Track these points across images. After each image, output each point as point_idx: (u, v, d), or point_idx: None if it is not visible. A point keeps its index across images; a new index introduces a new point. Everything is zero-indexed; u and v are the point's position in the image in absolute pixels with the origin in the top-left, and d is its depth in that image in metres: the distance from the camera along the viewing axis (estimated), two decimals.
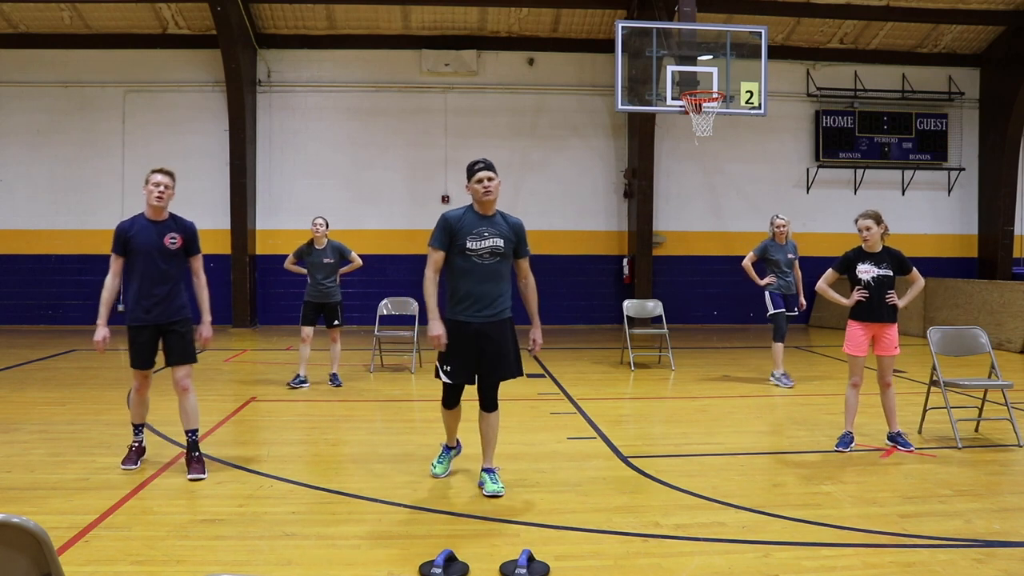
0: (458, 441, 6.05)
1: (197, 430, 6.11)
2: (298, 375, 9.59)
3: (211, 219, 16.93)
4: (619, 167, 18.13)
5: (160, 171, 5.90)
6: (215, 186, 17.15)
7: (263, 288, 17.49)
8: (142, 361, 6.02)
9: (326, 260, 9.60)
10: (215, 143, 17.25)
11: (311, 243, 9.58)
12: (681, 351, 13.07)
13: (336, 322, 9.77)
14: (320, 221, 9.58)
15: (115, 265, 5.92)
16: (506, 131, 17.76)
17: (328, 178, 17.52)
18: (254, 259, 17.29)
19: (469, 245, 5.25)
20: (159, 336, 6.02)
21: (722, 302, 18.18)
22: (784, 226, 10.09)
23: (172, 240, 5.93)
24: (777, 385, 9.99)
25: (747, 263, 10.20)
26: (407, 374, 10.94)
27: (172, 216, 6.01)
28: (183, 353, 6.01)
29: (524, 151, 17.82)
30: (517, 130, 17.83)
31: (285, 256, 19.52)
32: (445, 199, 17.36)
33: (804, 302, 10.22)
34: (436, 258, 5.29)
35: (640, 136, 17.39)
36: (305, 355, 9.58)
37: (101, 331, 5.83)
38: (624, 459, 6.46)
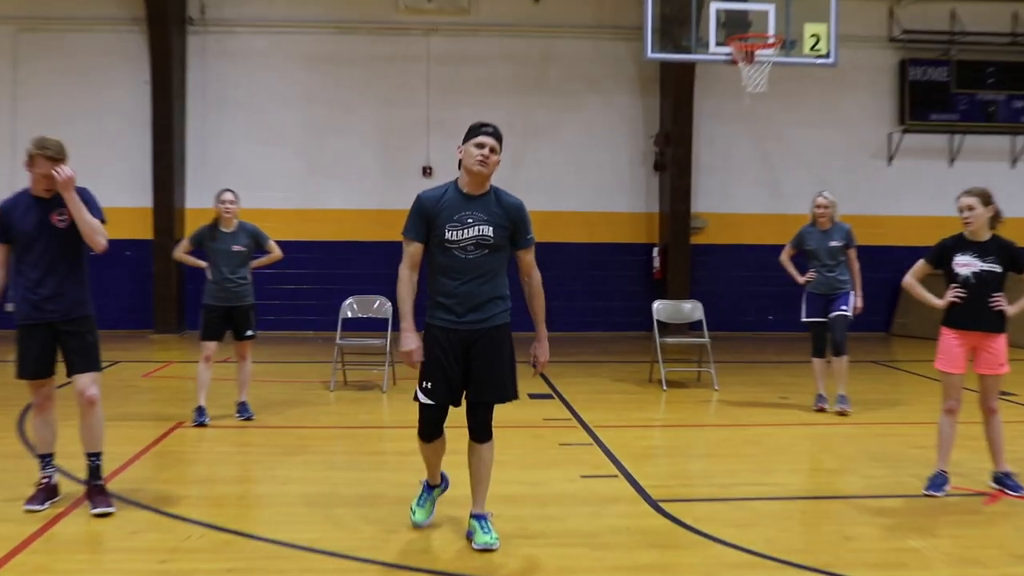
0: (444, 476, 6.01)
1: (100, 453, 6.12)
2: (199, 407, 9.05)
3: (128, 195, 16.91)
4: (648, 132, 18.10)
5: (42, 152, 5.86)
6: (133, 153, 17.12)
7: (193, 284, 17.38)
8: (34, 369, 6.02)
9: (236, 248, 9.16)
10: (133, 98, 17.22)
11: (215, 225, 9.13)
12: (727, 366, 13.05)
13: (249, 332, 9.36)
14: (231, 196, 9.16)
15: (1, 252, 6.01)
16: (505, 86, 17.73)
17: (279, 144, 17.51)
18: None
19: (448, 235, 5.23)
20: (55, 339, 6.02)
21: (779, 303, 18.13)
22: (827, 207, 10.04)
23: (61, 218, 5.91)
24: (823, 410, 9.99)
25: (784, 257, 10.33)
26: (377, 394, 10.90)
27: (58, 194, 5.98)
28: (86, 359, 6.02)
29: (527, 112, 17.79)
30: (519, 84, 17.80)
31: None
32: (427, 171, 17.36)
33: (861, 304, 10.00)
34: (412, 251, 5.30)
35: (675, 93, 17.36)
36: (206, 380, 9.16)
37: None
38: (653, 504, 6.42)
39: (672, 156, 17.52)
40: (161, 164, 16.92)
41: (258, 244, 9.37)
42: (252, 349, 9.54)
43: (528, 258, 5.47)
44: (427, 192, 5.34)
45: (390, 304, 11.53)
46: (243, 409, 9.41)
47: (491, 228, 5.26)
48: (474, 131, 5.33)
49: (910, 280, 6.96)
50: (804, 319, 10.19)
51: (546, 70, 17.92)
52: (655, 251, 17.95)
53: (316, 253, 17.59)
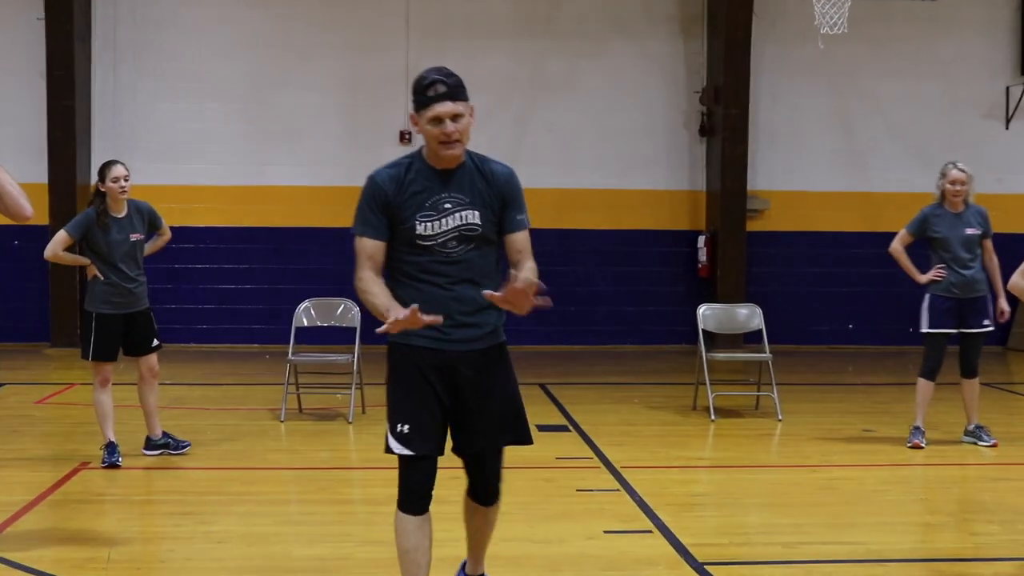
0: None
1: None
2: (109, 443, 9.05)
3: (15, 167, 16.61)
4: (692, 86, 18.10)
5: None
6: (22, 113, 17.13)
7: None
8: None
9: (134, 237, 9.13)
10: (22, 41, 17.21)
11: (104, 211, 9.06)
12: (793, 389, 13.05)
13: (155, 342, 9.41)
14: (124, 170, 9.15)
15: None
16: (506, 25, 17.74)
17: (213, 102, 17.51)
18: None
19: (421, 229, 4.90)
20: None
21: (862, 309, 18.15)
22: (963, 183, 9.98)
23: None
24: (976, 444, 10.04)
25: (897, 246, 10.20)
26: (341, 424, 10.90)
27: None
28: None
29: (535, 60, 17.80)
30: (524, 24, 17.80)
31: None
32: (406, 137, 17.36)
33: (1006, 308, 10.02)
34: (370, 252, 4.97)
35: (727, 35, 17.34)
36: (110, 409, 9.15)
37: None
38: (698, 567, 6.41)
39: (723, 118, 17.50)
40: (59, 127, 16.88)
41: (152, 227, 9.40)
42: (162, 366, 9.56)
43: (521, 242, 5.09)
44: (383, 171, 5.00)
45: (357, 309, 11.49)
46: (170, 442, 9.44)
47: (476, 212, 4.94)
48: (422, 95, 4.88)
49: (1018, 280, 6.82)
50: (927, 329, 10.01)
51: (559, 5, 17.92)
52: (701, 241, 17.94)
53: (261, 243, 17.60)
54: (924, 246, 10.20)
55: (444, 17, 17.66)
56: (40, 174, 16.94)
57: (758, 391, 12.19)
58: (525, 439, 5.19)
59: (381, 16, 17.62)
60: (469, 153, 5.03)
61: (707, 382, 11.65)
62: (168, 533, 7.17)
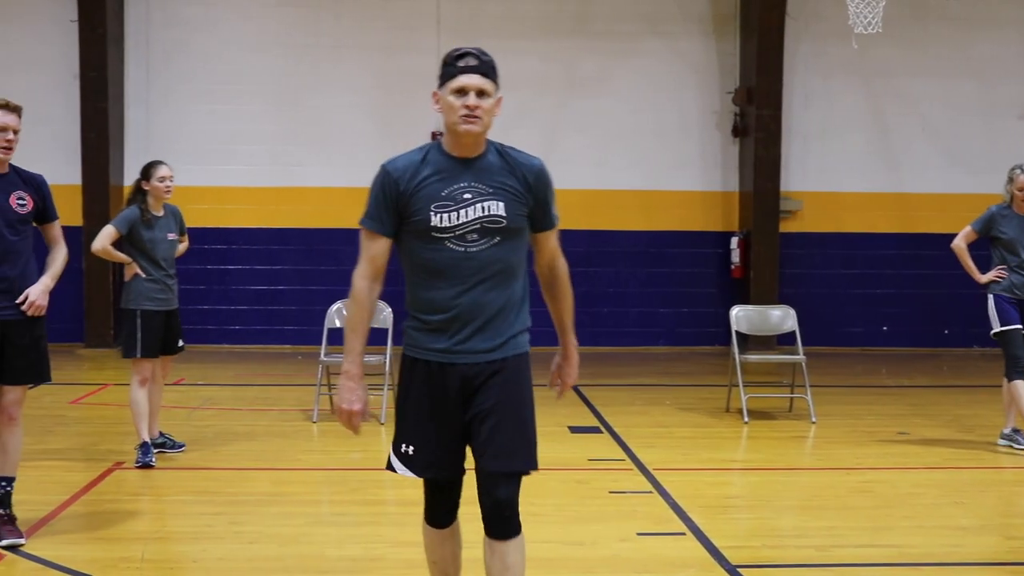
0: None
1: (14, 479, 6.61)
2: (144, 444, 9.19)
3: (50, 169, 16.65)
4: (724, 86, 18.04)
5: (9, 107, 6.49)
6: (56, 115, 17.21)
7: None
8: None
9: (171, 236, 9.39)
10: (55, 42, 17.31)
11: (144, 206, 9.26)
12: (827, 391, 12.99)
13: (181, 343, 9.62)
14: (169, 171, 9.34)
15: None
16: (537, 24, 17.73)
17: (244, 103, 17.57)
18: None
19: (436, 220, 4.58)
20: (2, 339, 6.49)
21: (897, 310, 18.04)
22: None
23: (20, 201, 6.52)
24: (1013, 447, 9.97)
25: (960, 243, 10.15)
26: (374, 426, 10.93)
27: (15, 169, 6.68)
28: (30, 367, 6.62)
29: (567, 59, 17.78)
30: (555, 23, 17.79)
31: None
32: (438, 137, 17.33)
33: None
34: (375, 250, 4.71)
35: (761, 34, 17.28)
36: (146, 409, 9.26)
37: None
38: (731, 570, 6.42)
39: (756, 118, 17.44)
40: (92, 128, 16.96)
41: (180, 229, 9.62)
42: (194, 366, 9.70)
43: (552, 241, 4.87)
44: (396, 160, 4.71)
45: (390, 310, 11.54)
46: (167, 443, 9.56)
47: (501, 203, 4.61)
48: (450, 66, 4.62)
49: None
50: (999, 328, 9.81)
51: (591, 4, 17.90)
52: (734, 242, 17.89)
53: (293, 244, 17.64)
54: (984, 246, 10.16)
55: (475, 16, 17.66)
56: (74, 175, 17.05)
57: (791, 393, 12.15)
58: (528, 467, 4.72)
59: (412, 16, 17.64)
60: (491, 142, 4.75)
61: (740, 384, 11.63)
62: (201, 533, 7.20)
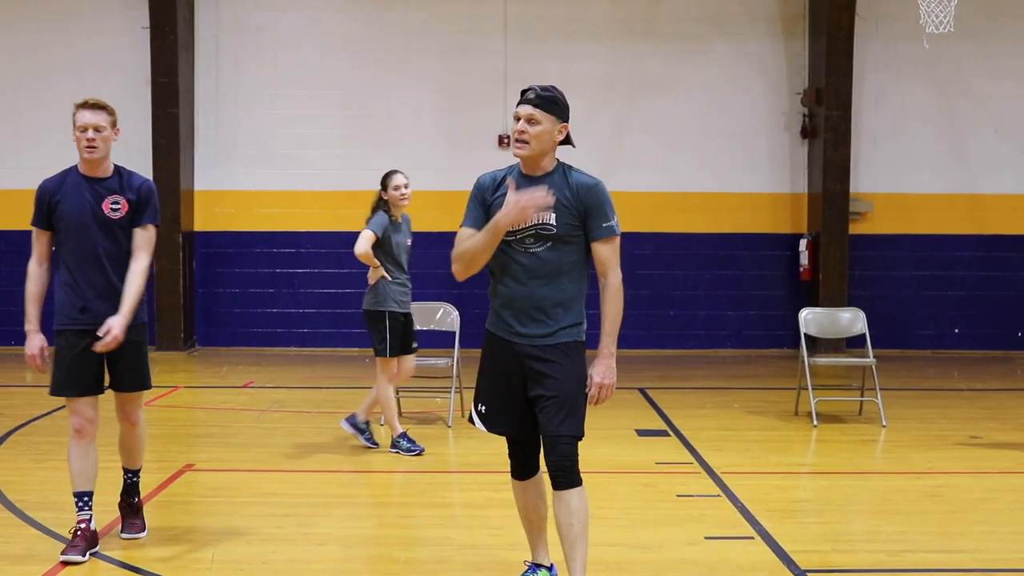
0: (554, 569, 5.92)
1: (139, 470, 7.07)
2: (403, 434, 9.79)
3: None
4: (793, 87, 17.93)
5: (88, 106, 6.66)
6: (128, 120, 17.21)
7: (206, 287, 17.74)
8: (79, 385, 6.60)
9: (409, 242, 10.01)
10: (127, 48, 17.52)
11: (387, 212, 9.83)
12: (898, 395, 12.90)
13: (415, 344, 10.19)
14: (404, 179, 9.91)
15: (41, 243, 6.70)
16: (604, 27, 17.71)
17: (312, 107, 17.68)
18: (191, 239, 17.59)
19: None
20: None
21: (968, 313, 17.84)
22: None
23: (115, 205, 6.61)
24: None
25: None
26: (441, 428, 10.98)
27: (119, 171, 6.81)
28: (135, 375, 6.82)
29: (633, 61, 17.75)
30: (622, 25, 17.75)
31: (240, 234, 19.14)
32: (504, 142, 17.41)
33: None
34: (465, 238, 5.63)
35: (830, 34, 17.16)
36: (394, 402, 10.05)
37: (35, 340, 6.58)
38: (800, 574, 6.42)
39: (825, 119, 17.32)
40: (163, 133, 17.14)
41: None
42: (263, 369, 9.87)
43: (605, 253, 5.55)
44: (487, 174, 5.71)
45: (456, 313, 11.59)
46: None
47: (553, 215, 5.45)
48: (520, 100, 5.56)
49: None
50: None
51: (658, 5, 17.85)
52: (803, 244, 17.77)
53: None
54: None
55: (541, 19, 17.67)
56: None
57: (861, 396, 12.07)
58: (573, 433, 5.46)
59: (478, 19, 17.68)
60: (561, 163, 5.62)
61: (809, 387, 11.57)
62: (270, 534, 7.26)
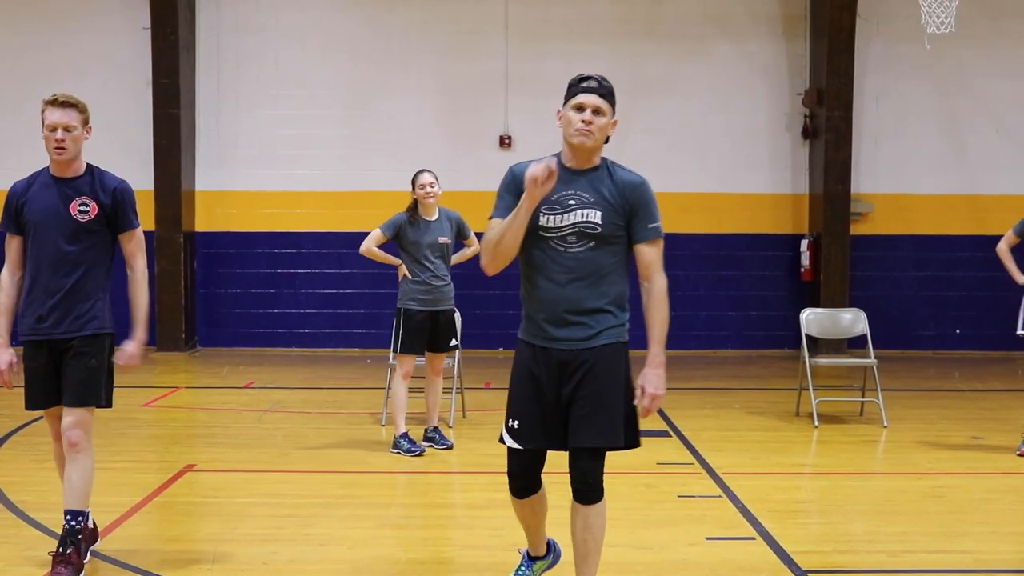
0: (552, 544, 5.97)
1: (82, 514, 6.25)
2: (404, 435, 9.82)
3: (121, 174, 16.92)
4: (795, 88, 17.92)
5: (58, 103, 6.25)
6: (128, 121, 17.41)
7: (207, 287, 17.73)
8: (42, 398, 6.36)
9: (442, 240, 10.00)
10: (128, 49, 17.51)
11: (414, 210, 9.97)
12: (899, 395, 12.89)
13: (453, 342, 10.34)
14: (430, 178, 10.03)
15: (11, 250, 6.40)
16: (605, 28, 17.70)
17: (313, 108, 17.67)
18: (192, 239, 17.58)
19: (544, 220, 5.23)
20: (60, 359, 6.33)
21: (969, 313, 17.83)
22: None
23: (83, 207, 6.31)
24: None
25: (1003, 247, 10.24)
26: (442, 428, 10.96)
27: (91, 170, 6.49)
28: (80, 389, 6.26)
29: (635, 61, 17.73)
30: (624, 25, 17.75)
31: (242, 234, 19.12)
32: (505, 142, 17.42)
33: None
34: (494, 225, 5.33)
35: (831, 35, 17.15)
36: (405, 402, 10.01)
37: (3, 355, 6.34)
38: (802, 575, 6.42)
39: (826, 120, 17.32)
40: (164, 134, 17.13)
41: (460, 235, 10.28)
42: (263, 370, 9.84)
43: (650, 255, 5.32)
44: (521, 164, 5.28)
45: (457, 313, 11.58)
46: (436, 437, 10.02)
47: (598, 212, 5.21)
48: (573, 87, 5.30)
49: None
50: (1021, 332, 10.06)
51: (660, 6, 17.85)
52: (804, 244, 17.77)
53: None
54: None
55: (543, 20, 17.66)
56: (146, 180, 17.22)
57: (863, 397, 12.08)
58: (614, 443, 5.32)
59: (479, 20, 17.67)
60: (605, 159, 5.36)
61: (810, 387, 11.60)
62: (271, 535, 7.26)
